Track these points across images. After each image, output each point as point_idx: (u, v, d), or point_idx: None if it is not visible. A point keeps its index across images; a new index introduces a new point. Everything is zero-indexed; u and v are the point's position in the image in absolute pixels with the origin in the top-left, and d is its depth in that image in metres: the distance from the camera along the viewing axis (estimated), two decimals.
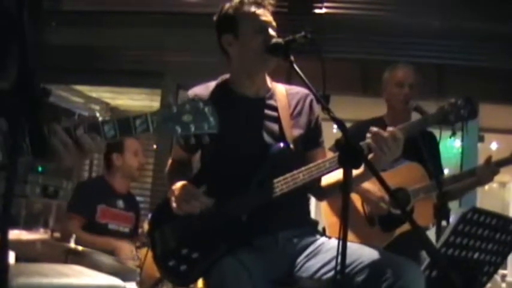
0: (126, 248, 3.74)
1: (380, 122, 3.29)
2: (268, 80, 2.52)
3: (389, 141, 2.17)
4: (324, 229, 3.19)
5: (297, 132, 2.42)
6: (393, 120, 3.25)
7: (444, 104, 2.52)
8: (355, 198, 3.20)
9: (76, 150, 1.57)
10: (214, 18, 2.47)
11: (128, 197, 4.21)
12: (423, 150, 2.82)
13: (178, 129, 1.63)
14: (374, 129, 2.21)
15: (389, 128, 2.22)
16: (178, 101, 1.68)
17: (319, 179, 2.35)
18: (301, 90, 2.50)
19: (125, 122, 1.61)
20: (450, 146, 5.71)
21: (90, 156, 1.61)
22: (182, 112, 1.64)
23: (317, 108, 2.48)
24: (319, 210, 3.50)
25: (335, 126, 2.01)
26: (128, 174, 4.13)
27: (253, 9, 2.38)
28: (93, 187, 4.21)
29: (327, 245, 2.32)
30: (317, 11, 5.36)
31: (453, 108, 2.50)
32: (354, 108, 5.42)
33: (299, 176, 2.27)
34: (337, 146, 1.90)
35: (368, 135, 2.21)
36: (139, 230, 4.14)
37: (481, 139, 5.76)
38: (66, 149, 1.55)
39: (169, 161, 2.62)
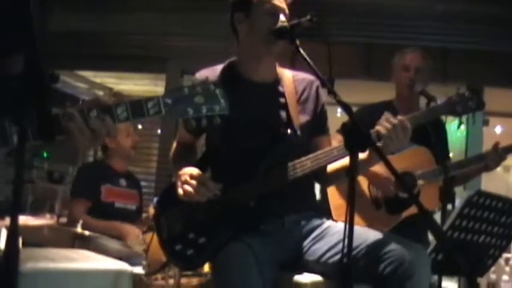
0: (133, 232, 3.76)
1: (389, 106, 3.29)
2: (276, 65, 2.51)
3: (399, 130, 2.17)
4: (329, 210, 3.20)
5: (304, 118, 2.42)
6: (402, 106, 3.26)
7: (452, 95, 2.54)
8: (362, 180, 3.20)
9: (89, 134, 1.58)
10: None
11: (129, 176, 4.24)
12: (431, 135, 2.82)
13: (190, 111, 1.64)
14: (388, 115, 2.21)
15: (399, 116, 2.22)
16: (187, 83, 1.68)
17: (325, 166, 2.35)
18: (307, 77, 2.50)
19: (137, 105, 1.61)
20: (455, 130, 5.70)
21: (103, 140, 1.62)
22: (194, 94, 1.65)
23: (323, 95, 2.48)
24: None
25: (339, 110, 2.02)
26: (124, 155, 4.15)
27: None
28: (94, 169, 4.23)
29: (333, 229, 2.33)
30: None
31: (461, 100, 2.53)
32: (358, 92, 5.41)
33: (307, 163, 2.27)
34: (344, 129, 1.90)
35: (378, 124, 2.21)
36: (144, 215, 4.15)
37: (486, 123, 5.74)
38: (80, 133, 1.57)
39: (174, 144, 2.60)
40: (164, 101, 1.62)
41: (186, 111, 1.63)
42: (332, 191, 3.23)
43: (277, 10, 2.35)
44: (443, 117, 3.00)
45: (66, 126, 1.55)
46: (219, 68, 2.47)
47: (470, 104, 2.54)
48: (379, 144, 2.16)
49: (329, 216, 2.66)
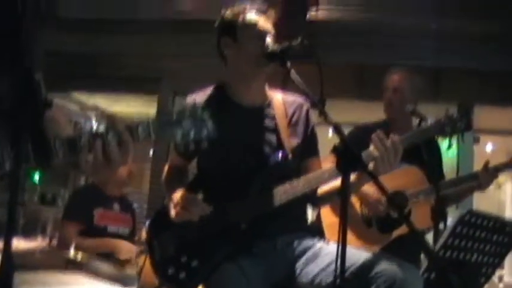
0: (125, 246, 3.77)
1: (383, 125, 3.32)
2: (266, 88, 2.53)
3: (391, 152, 2.19)
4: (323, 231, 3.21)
5: (294, 141, 2.43)
6: (394, 125, 3.28)
7: (441, 116, 2.57)
8: (354, 198, 3.22)
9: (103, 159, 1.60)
10: (216, 22, 2.49)
11: (122, 200, 4.24)
12: (424, 153, 2.84)
13: (179, 135, 1.66)
14: (381, 135, 2.23)
15: (392, 136, 2.24)
16: (176, 108, 1.70)
17: (316, 188, 2.36)
18: (297, 99, 2.51)
19: (127, 130, 1.63)
20: (445, 149, 5.72)
21: (116, 167, 1.64)
22: (182, 118, 1.67)
23: (313, 117, 2.50)
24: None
25: (331, 130, 2.03)
26: (118, 183, 4.16)
27: (253, 16, 2.41)
28: (87, 193, 4.23)
29: (326, 250, 2.32)
30: (312, 15, 5.38)
31: (450, 121, 2.56)
32: (351, 112, 5.44)
33: (298, 185, 2.28)
34: (335, 151, 1.91)
35: (371, 146, 2.23)
36: (136, 238, 4.14)
37: (477, 140, 5.78)
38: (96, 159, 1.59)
39: (166, 168, 2.61)
40: (153, 125, 1.65)
41: (175, 136, 1.66)
42: (325, 210, 3.24)
43: (263, 34, 2.37)
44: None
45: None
46: (208, 91, 2.48)
47: (459, 125, 2.57)
48: (370, 165, 2.18)
49: (321, 236, 2.66)
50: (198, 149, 1.69)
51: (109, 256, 3.61)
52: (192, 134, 1.67)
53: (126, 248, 3.78)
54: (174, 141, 1.67)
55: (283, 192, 2.28)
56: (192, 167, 2.58)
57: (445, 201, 2.96)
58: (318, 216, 3.29)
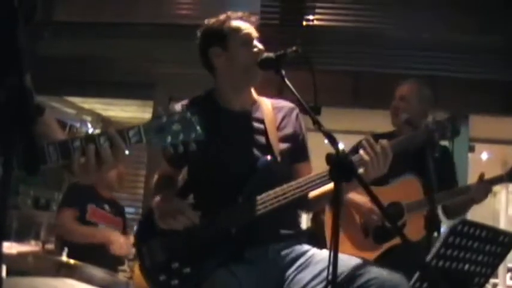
0: (119, 239, 3.82)
1: (392, 136, 3.31)
2: (253, 92, 2.53)
3: (380, 158, 2.20)
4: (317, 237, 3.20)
5: (283, 145, 2.43)
6: (400, 135, 3.28)
7: (428, 122, 2.59)
8: None
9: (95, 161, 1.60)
10: (199, 33, 2.49)
11: (114, 203, 4.30)
12: (428, 161, 2.83)
13: (169, 139, 1.68)
14: (370, 140, 2.24)
15: (381, 141, 2.25)
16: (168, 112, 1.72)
17: (307, 193, 2.36)
18: (286, 104, 2.53)
19: (119, 134, 1.64)
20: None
21: (108, 168, 1.64)
22: (172, 122, 1.69)
23: (303, 122, 2.50)
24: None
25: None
26: (108, 185, 4.20)
27: (239, 22, 2.43)
28: (82, 188, 4.28)
29: (318, 257, 2.32)
30: (308, 23, 5.40)
31: (438, 128, 2.57)
32: (345, 120, 5.45)
33: (289, 190, 2.28)
34: (328, 160, 1.92)
35: (361, 151, 2.24)
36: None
37: (472, 149, 5.80)
38: (89, 160, 1.59)
39: (156, 177, 2.59)
40: (144, 129, 1.65)
41: (165, 139, 1.67)
42: (329, 216, 3.23)
43: (251, 38, 2.40)
44: None
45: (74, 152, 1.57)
46: (198, 98, 2.49)
47: (447, 132, 2.60)
48: (360, 170, 2.19)
49: (316, 242, 2.65)
50: (186, 151, 1.70)
51: (102, 248, 3.66)
52: (181, 136, 1.68)
53: (119, 241, 3.83)
54: (165, 145, 1.68)
55: (273, 197, 2.27)
56: (181, 176, 2.57)
57: (449, 214, 2.95)
58: (314, 221, 3.30)
